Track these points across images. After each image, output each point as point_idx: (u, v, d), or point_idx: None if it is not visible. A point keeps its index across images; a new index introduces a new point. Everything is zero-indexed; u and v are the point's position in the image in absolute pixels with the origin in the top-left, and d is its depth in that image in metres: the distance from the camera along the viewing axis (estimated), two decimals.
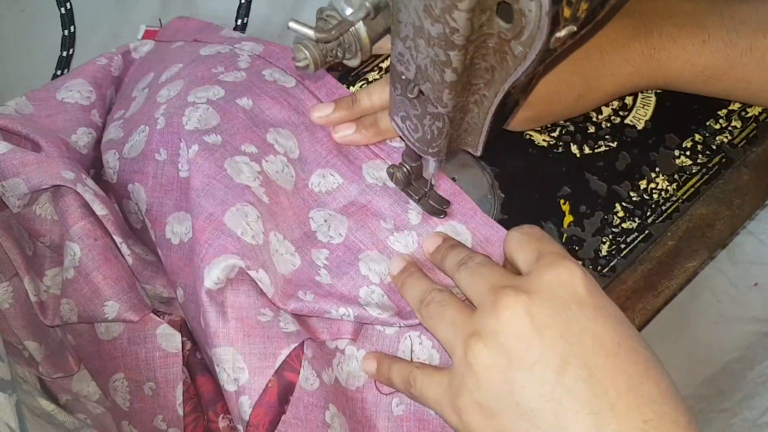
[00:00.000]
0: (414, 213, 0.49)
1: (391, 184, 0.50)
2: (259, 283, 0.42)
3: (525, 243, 0.39)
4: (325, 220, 0.48)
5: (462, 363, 0.37)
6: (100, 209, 0.45)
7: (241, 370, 0.40)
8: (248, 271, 0.41)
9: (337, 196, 0.49)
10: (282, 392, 0.41)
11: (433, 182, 0.49)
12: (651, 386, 0.33)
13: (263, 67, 0.52)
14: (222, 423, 0.45)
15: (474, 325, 0.37)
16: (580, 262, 0.38)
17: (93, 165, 0.52)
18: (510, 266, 0.41)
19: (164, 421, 0.45)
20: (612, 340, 0.34)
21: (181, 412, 0.45)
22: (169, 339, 0.46)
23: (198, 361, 0.47)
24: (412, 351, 0.46)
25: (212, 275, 0.40)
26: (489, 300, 0.36)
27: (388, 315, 0.44)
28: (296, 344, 0.41)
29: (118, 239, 0.46)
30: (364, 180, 0.50)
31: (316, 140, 0.50)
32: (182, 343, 0.47)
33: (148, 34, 0.58)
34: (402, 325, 0.45)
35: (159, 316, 0.49)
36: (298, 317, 0.45)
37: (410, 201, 0.49)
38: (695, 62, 0.50)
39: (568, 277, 0.35)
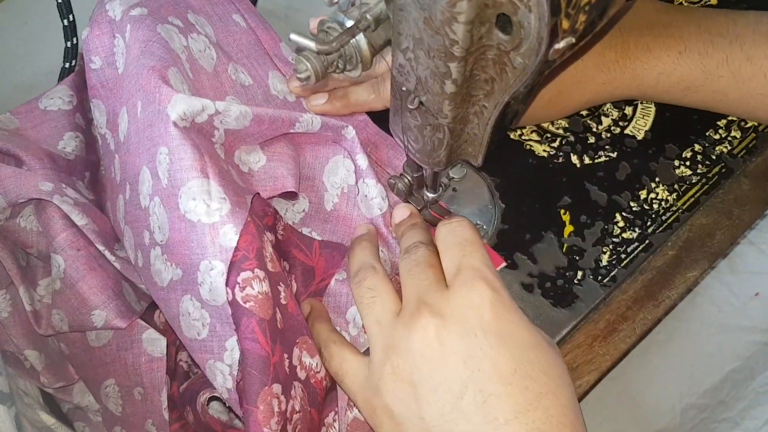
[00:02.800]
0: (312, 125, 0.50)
1: (291, 98, 0.51)
2: (221, 123, 0.42)
3: (449, 246, 0.40)
4: (237, 109, 0.48)
5: (380, 369, 0.39)
6: (79, 219, 0.45)
7: (224, 201, 0.39)
8: (215, 105, 0.40)
9: (248, 93, 0.50)
10: (258, 227, 0.40)
11: (433, 194, 0.49)
12: (539, 413, 0.35)
13: None
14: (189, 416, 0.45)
15: (393, 335, 0.39)
16: (499, 279, 0.39)
17: (87, 168, 0.52)
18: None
19: (154, 425, 0.45)
20: (509, 368, 0.35)
21: (166, 416, 0.45)
22: (154, 343, 0.46)
23: (181, 370, 0.47)
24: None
25: (177, 109, 0.39)
26: (409, 311, 0.39)
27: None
28: (252, 195, 0.42)
29: (100, 247, 0.46)
30: (269, 88, 0.51)
31: (230, 34, 0.51)
32: (173, 342, 0.47)
33: None
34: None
35: (157, 313, 0.49)
36: (242, 176, 0.45)
37: (311, 118, 0.50)
38: (671, 73, 0.51)
39: (479, 301, 0.37)
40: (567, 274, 0.51)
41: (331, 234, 0.49)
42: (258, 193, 0.45)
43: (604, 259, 0.51)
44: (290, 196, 0.48)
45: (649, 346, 0.52)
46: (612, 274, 0.51)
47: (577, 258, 0.51)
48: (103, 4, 0.47)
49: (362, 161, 0.47)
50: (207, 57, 0.48)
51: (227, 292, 0.39)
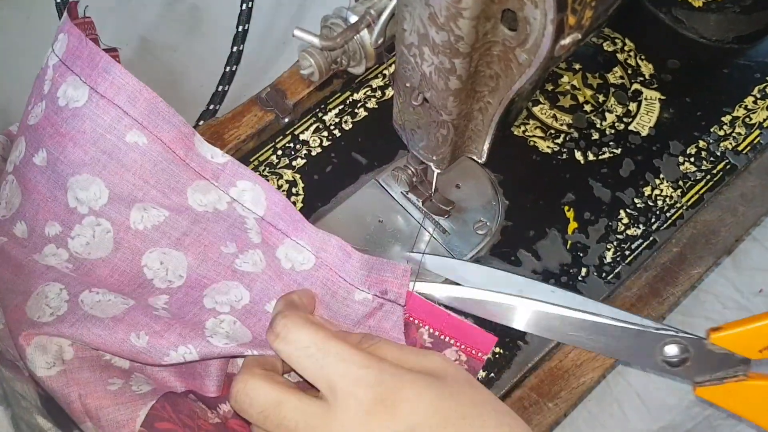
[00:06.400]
0: (253, 232, 0.44)
1: (222, 207, 0.44)
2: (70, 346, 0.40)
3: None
4: (162, 263, 0.44)
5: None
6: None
7: None
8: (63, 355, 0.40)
9: (166, 230, 0.44)
10: None
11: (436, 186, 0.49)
12: None
13: (60, 82, 0.43)
14: None
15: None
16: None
17: None
18: None
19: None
20: None
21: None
22: None
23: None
24: None
25: (38, 362, 0.40)
26: None
27: (237, 344, 0.41)
28: (154, 401, 0.39)
29: None
30: (192, 209, 0.44)
31: (126, 168, 0.42)
32: None
33: None
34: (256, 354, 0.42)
35: None
36: (157, 370, 0.42)
37: (247, 221, 0.44)
38: None
39: None
40: (571, 270, 0.50)
41: None
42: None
43: (608, 256, 0.51)
44: None
45: None
46: (616, 271, 0.51)
47: (581, 255, 0.51)
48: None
49: None
50: (100, 236, 0.43)
51: None
